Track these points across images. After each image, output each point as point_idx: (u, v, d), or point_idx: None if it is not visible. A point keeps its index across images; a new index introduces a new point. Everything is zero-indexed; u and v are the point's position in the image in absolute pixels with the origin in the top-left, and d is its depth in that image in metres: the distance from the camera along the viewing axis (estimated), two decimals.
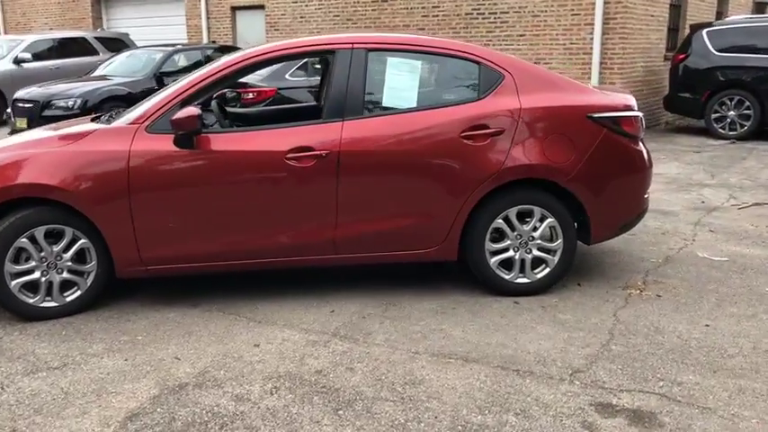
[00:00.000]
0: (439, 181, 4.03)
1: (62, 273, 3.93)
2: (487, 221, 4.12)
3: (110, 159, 3.82)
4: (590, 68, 11.34)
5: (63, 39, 14.82)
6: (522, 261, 4.21)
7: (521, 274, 4.23)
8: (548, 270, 4.24)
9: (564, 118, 4.14)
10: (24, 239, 3.82)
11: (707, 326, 3.78)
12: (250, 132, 4.05)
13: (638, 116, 4.29)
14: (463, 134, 4.01)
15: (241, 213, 3.94)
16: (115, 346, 3.59)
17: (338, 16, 14.15)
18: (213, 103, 4.70)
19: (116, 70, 11.72)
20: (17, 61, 13.70)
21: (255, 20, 15.24)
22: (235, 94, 7.34)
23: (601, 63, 11.26)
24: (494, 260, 4.18)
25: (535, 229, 4.17)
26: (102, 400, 3.03)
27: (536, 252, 4.21)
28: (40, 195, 3.80)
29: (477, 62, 4.16)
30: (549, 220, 4.17)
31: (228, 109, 4.78)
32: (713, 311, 3.98)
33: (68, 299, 3.97)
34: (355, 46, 4.11)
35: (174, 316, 3.99)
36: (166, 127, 3.85)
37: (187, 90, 3.96)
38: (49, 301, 3.94)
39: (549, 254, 4.23)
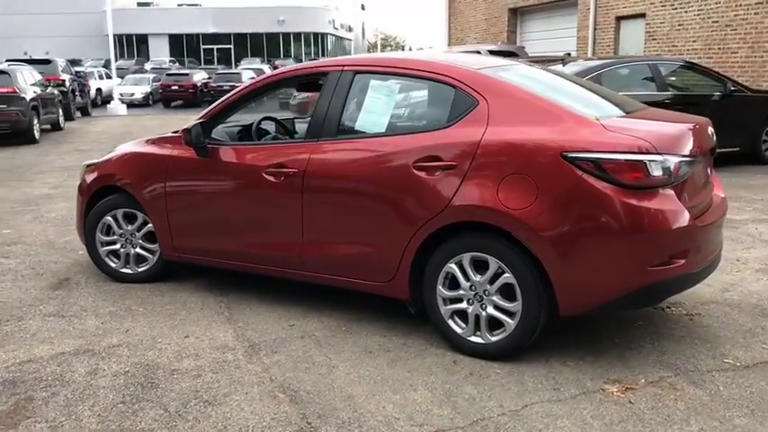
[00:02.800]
0: (387, 212, 3.75)
1: (135, 248, 4.95)
2: (439, 263, 3.66)
3: (156, 162, 4.66)
4: None
5: (458, 52, 16.35)
6: (477, 317, 3.61)
7: (477, 333, 3.63)
8: (504, 334, 3.54)
9: (528, 155, 3.38)
10: (109, 218, 4.94)
11: None
12: (249, 146, 4.43)
13: (640, 161, 3.20)
14: (416, 164, 3.65)
15: (231, 219, 4.35)
16: (116, 312, 4.42)
17: (717, 22, 12.38)
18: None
19: None
20: None
21: (636, 30, 14.37)
22: None
23: None
24: (447, 308, 3.69)
25: (491, 282, 3.53)
26: (33, 346, 3.88)
27: (491, 310, 3.55)
28: (120, 185, 4.86)
29: (453, 86, 3.69)
30: (506, 275, 3.47)
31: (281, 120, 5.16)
32: None
33: (140, 269, 4.97)
34: (345, 68, 4.08)
35: (193, 300, 4.62)
36: None
37: (209, 111, 4.53)
38: (127, 268, 5.01)
39: (507, 315, 3.52)
